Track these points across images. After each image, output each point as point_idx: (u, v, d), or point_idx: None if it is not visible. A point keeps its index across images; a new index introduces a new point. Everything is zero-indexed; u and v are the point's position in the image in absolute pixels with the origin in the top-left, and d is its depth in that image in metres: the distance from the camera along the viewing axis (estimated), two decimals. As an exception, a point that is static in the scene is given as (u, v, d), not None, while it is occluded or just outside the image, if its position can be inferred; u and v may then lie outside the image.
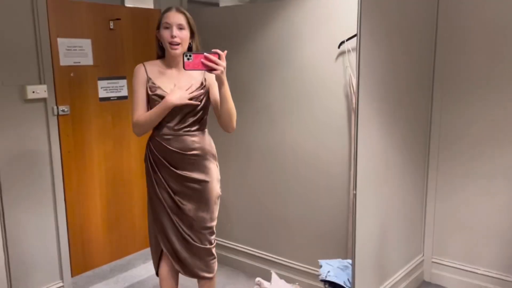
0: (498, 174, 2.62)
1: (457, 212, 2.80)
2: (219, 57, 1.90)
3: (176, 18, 2.06)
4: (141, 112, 2.12)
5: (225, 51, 1.92)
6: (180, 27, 2.07)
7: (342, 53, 2.47)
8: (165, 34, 2.06)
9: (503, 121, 2.56)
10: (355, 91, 2.41)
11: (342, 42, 2.44)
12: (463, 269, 2.81)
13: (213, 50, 1.91)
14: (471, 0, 2.57)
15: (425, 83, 2.75)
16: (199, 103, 2.10)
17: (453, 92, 2.72)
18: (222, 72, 1.91)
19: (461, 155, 2.74)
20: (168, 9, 2.10)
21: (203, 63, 1.89)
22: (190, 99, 2.07)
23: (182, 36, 2.07)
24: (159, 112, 2.06)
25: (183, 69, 2.13)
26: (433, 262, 2.93)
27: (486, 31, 2.55)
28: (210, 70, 1.91)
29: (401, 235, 2.73)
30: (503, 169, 2.60)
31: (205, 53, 1.88)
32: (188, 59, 1.90)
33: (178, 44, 2.06)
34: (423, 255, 2.96)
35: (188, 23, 2.10)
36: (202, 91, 2.12)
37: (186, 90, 2.07)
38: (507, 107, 2.54)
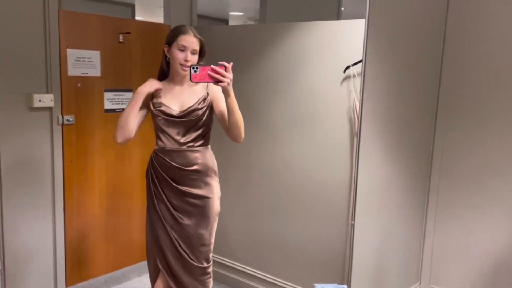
0: (496, 204, 2.61)
1: (455, 241, 2.79)
2: (226, 69, 1.92)
3: (193, 43, 2.11)
4: None
5: (231, 63, 1.95)
6: (194, 52, 2.13)
7: (347, 78, 2.49)
8: (179, 55, 2.11)
9: (502, 152, 2.57)
10: (358, 115, 2.43)
11: (348, 67, 2.47)
12: (460, 300, 2.79)
13: (219, 63, 1.93)
14: (477, 33, 2.61)
15: (428, 111, 2.76)
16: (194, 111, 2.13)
17: (455, 121, 2.73)
18: (228, 84, 1.93)
19: (461, 184, 2.73)
20: (184, 31, 2.11)
21: (209, 75, 1.91)
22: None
23: (194, 60, 2.14)
24: (132, 102, 2.10)
25: (185, 86, 2.17)
26: (430, 291, 2.91)
27: (488, 64, 2.58)
28: (217, 82, 1.92)
29: (399, 263, 2.71)
30: (501, 200, 2.59)
31: (211, 66, 1.91)
32: (195, 71, 1.92)
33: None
34: (420, 283, 2.94)
35: (201, 48, 2.16)
36: (204, 105, 2.14)
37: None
38: (507, 139, 2.55)
